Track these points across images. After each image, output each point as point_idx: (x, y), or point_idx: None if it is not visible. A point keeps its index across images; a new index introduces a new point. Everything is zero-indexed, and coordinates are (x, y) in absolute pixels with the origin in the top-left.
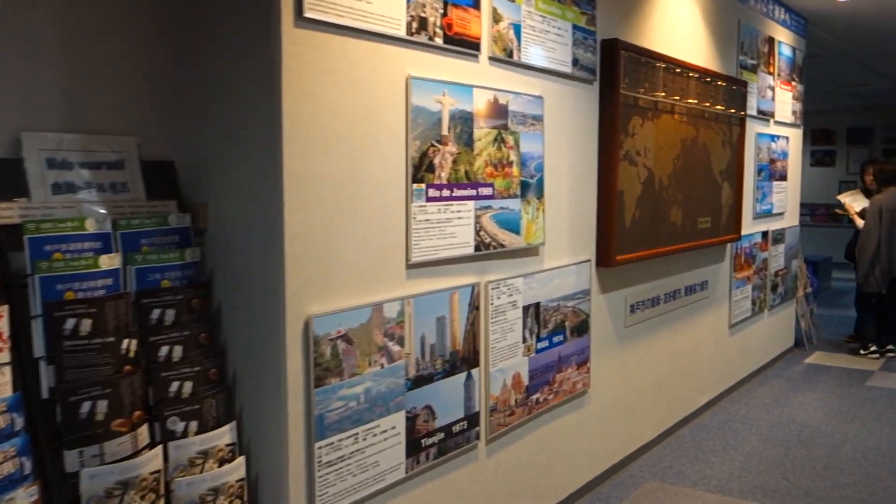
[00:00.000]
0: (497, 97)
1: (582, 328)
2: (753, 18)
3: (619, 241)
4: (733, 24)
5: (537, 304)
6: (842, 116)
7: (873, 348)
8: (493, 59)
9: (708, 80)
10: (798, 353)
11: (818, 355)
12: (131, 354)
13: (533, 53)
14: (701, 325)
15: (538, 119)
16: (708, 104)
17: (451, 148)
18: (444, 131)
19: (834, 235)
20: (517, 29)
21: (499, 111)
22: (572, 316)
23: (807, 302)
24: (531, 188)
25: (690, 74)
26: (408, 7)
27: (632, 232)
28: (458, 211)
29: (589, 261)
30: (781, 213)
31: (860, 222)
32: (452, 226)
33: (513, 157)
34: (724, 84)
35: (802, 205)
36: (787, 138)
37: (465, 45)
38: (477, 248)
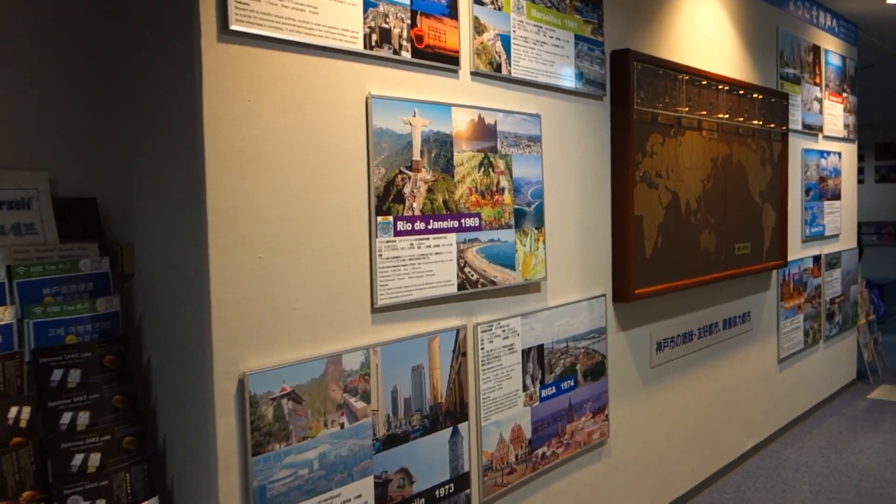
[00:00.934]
0: (483, 116)
1: (597, 371)
2: (794, 25)
3: (639, 272)
4: (770, 31)
5: (540, 347)
6: None
7: None
8: (476, 74)
9: (741, 92)
10: (861, 388)
11: (884, 389)
12: (22, 424)
13: (526, 67)
14: (744, 361)
15: (535, 140)
16: (742, 119)
17: (426, 175)
18: (416, 156)
19: None
20: (505, 40)
21: (485, 132)
22: (585, 358)
23: (870, 330)
24: (528, 217)
25: (720, 87)
26: (365, 17)
27: (654, 262)
28: (437, 245)
29: (604, 295)
30: (836, 236)
31: None
32: (429, 262)
33: (504, 183)
34: (760, 97)
35: (868, 223)
36: (838, 154)
37: (439, 58)
38: (462, 287)
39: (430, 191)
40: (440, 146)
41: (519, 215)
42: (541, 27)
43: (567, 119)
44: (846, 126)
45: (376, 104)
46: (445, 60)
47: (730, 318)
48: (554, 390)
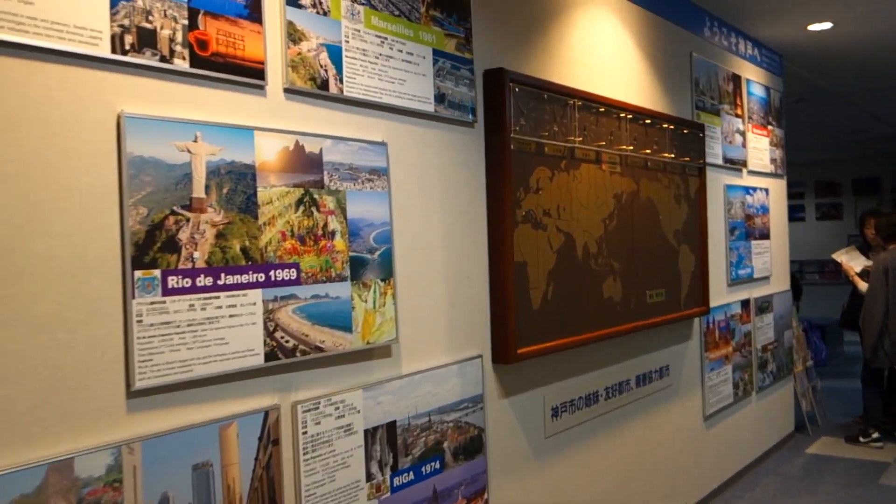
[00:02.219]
0: (302, 144)
1: (472, 447)
2: (711, 52)
3: (523, 328)
4: (683, 57)
5: (392, 424)
6: (847, 167)
7: (875, 434)
8: (292, 91)
9: (648, 121)
10: (800, 441)
11: (824, 442)
12: None
13: (366, 86)
14: (664, 421)
15: (379, 172)
16: (650, 151)
17: (213, 216)
18: (198, 192)
19: (844, 295)
20: (335, 52)
21: (306, 163)
22: (455, 433)
23: (808, 377)
24: (370, 266)
25: (622, 115)
26: (113, 13)
27: (544, 315)
28: (232, 306)
29: (480, 357)
30: (766, 278)
31: (862, 285)
32: (219, 327)
33: (334, 226)
34: (671, 126)
35: (810, 262)
36: (765, 190)
37: (235, 70)
38: (272, 356)
39: (220, 236)
40: (237, 180)
41: (357, 265)
42: (385, 38)
43: (426, 148)
44: (773, 161)
45: (132, 125)
46: (244, 73)
47: (644, 373)
48: (412, 476)
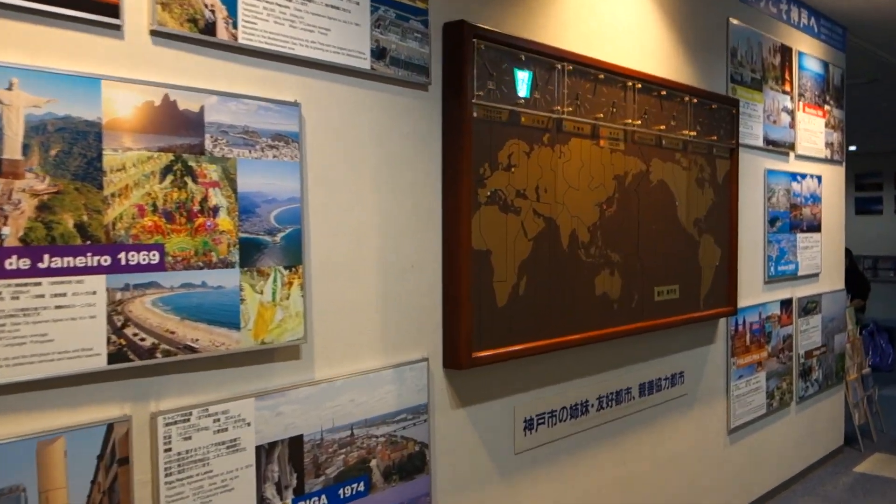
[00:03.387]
0: (174, 99)
1: (411, 466)
2: (753, 18)
3: (484, 327)
4: (718, 23)
5: (297, 439)
6: None
7: None
8: (161, 34)
9: (663, 93)
10: (849, 457)
11: (875, 460)
12: None
13: (271, 33)
14: (677, 435)
15: (287, 138)
16: (664, 127)
17: (34, 183)
18: (11, 152)
19: None
20: None
21: (179, 123)
22: (387, 449)
23: (864, 387)
24: (269, 251)
25: (629, 84)
26: None
27: (512, 312)
28: (59, 295)
29: (425, 360)
30: (813, 275)
31: None
32: (39, 321)
33: (217, 201)
34: (694, 100)
35: (886, 258)
36: (817, 177)
37: (75, 4)
38: (119, 357)
39: (44, 208)
40: (72, 140)
41: (250, 248)
42: None
43: (360, 113)
44: (829, 145)
45: None
46: (91, 8)
47: (650, 381)
48: (324, 500)
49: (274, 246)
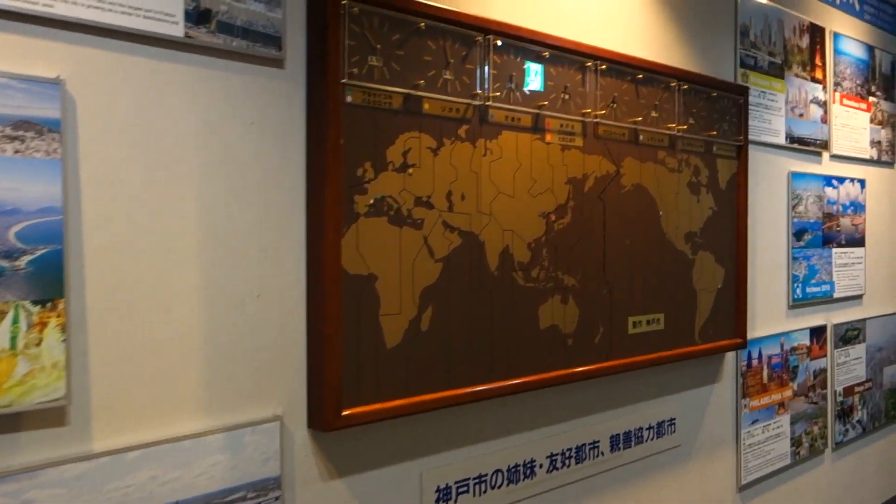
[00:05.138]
0: None
1: None
2: None
3: (364, 374)
4: None
5: None
6: None
7: None
8: None
9: (640, 76)
10: None
11: None
12: None
13: None
14: (669, 496)
15: (39, 127)
16: (640, 120)
17: None
18: None
19: None
20: None
21: None
22: None
23: None
24: (5, 281)
25: (588, 64)
26: None
27: (411, 353)
28: None
29: (278, 420)
30: (856, 297)
31: None
32: None
33: None
34: (684, 86)
35: None
36: (860, 182)
37: None
38: None
39: None
40: None
41: None
42: None
43: (172, 95)
44: (875, 144)
45: None
46: None
47: (628, 431)
48: None
49: (14, 274)
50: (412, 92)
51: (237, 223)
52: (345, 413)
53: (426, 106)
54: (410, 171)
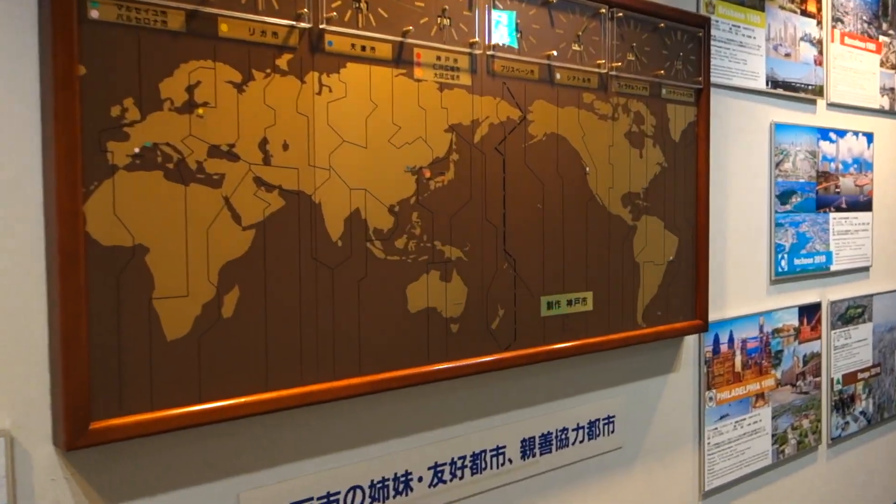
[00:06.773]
0: None
1: None
2: None
3: (127, 377)
4: None
5: None
6: None
7: None
8: None
9: (554, 0)
10: None
11: None
12: None
13: None
14: None
15: None
16: (555, 54)
17: None
18: None
19: None
20: None
21: None
22: None
23: None
24: None
25: None
26: None
27: (204, 347)
28: None
29: (3, 435)
30: (860, 269)
31: None
32: None
33: None
34: (620, 14)
35: None
36: (867, 136)
37: None
38: None
39: None
40: None
41: None
42: None
43: None
44: (886, 91)
45: None
46: None
47: (545, 434)
48: None
49: None
50: (199, 8)
51: None
52: (94, 427)
53: (223, 27)
54: (200, 111)
